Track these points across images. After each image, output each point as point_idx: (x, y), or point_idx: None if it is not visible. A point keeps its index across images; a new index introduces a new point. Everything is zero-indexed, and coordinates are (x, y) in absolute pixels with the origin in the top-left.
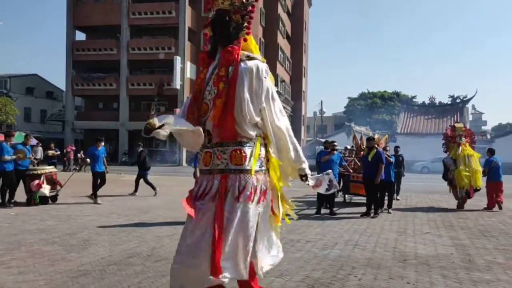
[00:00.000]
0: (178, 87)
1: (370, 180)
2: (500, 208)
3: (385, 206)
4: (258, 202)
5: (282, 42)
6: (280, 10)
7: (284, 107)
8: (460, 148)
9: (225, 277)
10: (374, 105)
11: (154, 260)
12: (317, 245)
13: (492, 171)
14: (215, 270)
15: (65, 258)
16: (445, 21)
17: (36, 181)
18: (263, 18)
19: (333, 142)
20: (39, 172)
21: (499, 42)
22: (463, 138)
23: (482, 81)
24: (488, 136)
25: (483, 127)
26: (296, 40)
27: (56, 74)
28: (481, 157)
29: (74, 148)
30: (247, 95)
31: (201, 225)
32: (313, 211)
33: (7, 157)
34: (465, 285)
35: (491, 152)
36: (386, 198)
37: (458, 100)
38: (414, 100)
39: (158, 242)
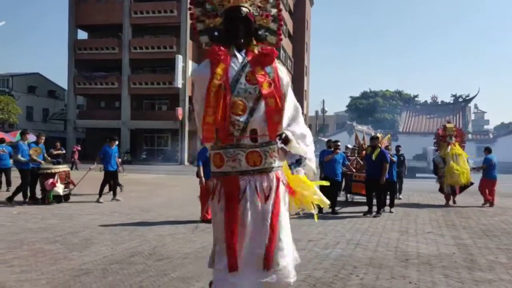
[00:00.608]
0: (180, 85)
1: (373, 179)
2: (492, 205)
3: (387, 205)
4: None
5: (283, 41)
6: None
7: None
8: (449, 147)
9: (280, 269)
10: (376, 104)
11: (156, 259)
12: (319, 244)
13: (490, 169)
14: (269, 262)
15: (67, 257)
16: (447, 20)
17: (50, 180)
18: None
19: (336, 141)
20: (53, 171)
21: (501, 41)
22: (453, 138)
23: (485, 80)
24: (491, 135)
25: (486, 126)
26: (298, 39)
27: (58, 73)
28: (478, 157)
29: (80, 148)
30: (289, 95)
31: (261, 224)
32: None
33: (21, 158)
34: (467, 285)
35: (488, 150)
36: (388, 197)
37: (460, 99)
38: (416, 99)
39: (160, 241)
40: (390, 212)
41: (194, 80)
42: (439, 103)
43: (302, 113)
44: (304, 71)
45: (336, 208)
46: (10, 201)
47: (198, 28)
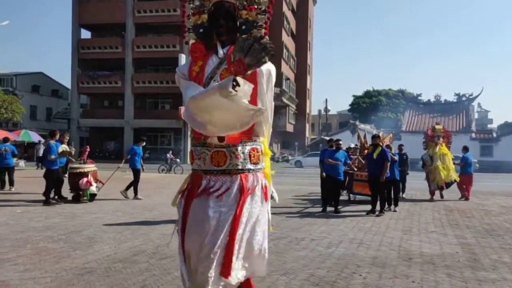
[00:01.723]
0: None
1: (375, 178)
2: (467, 199)
3: (392, 204)
4: (266, 200)
5: (286, 39)
6: (284, 7)
7: (288, 105)
8: (438, 147)
9: (237, 278)
10: (379, 103)
11: (159, 258)
12: (322, 243)
13: (466, 166)
14: (227, 271)
15: (70, 256)
16: (451, 19)
17: (85, 179)
18: None
19: (338, 140)
20: (85, 170)
21: (505, 39)
22: (441, 139)
23: (489, 79)
24: (494, 134)
25: (489, 125)
26: (301, 37)
27: (62, 72)
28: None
29: (89, 150)
30: (268, 95)
31: (216, 227)
32: (318, 209)
33: (53, 157)
34: (470, 284)
35: (466, 149)
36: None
37: (463, 98)
38: (419, 98)
39: (163, 240)
40: (394, 211)
41: (176, 79)
42: (443, 102)
43: (305, 111)
44: (307, 70)
45: (339, 207)
46: (48, 203)
47: (187, 26)
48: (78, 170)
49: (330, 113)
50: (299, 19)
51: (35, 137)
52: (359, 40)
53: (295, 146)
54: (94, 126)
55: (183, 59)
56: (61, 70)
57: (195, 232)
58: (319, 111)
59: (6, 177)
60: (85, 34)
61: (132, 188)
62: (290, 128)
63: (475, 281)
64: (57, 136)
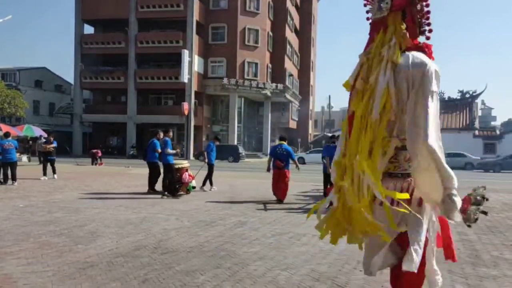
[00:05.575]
0: (185, 80)
1: None
2: None
3: None
4: None
5: (290, 35)
6: (288, 3)
7: (291, 101)
8: None
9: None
10: None
11: (160, 253)
12: (323, 239)
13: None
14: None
15: (72, 250)
16: (454, 16)
17: (187, 174)
18: (271, 12)
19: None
20: (184, 165)
21: (510, 36)
22: None
23: (492, 76)
24: (497, 132)
25: (493, 123)
26: (304, 34)
27: (65, 68)
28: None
29: (100, 154)
30: None
31: None
32: None
33: (170, 151)
34: (471, 281)
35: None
36: None
37: (467, 95)
38: None
39: (165, 234)
40: None
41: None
42: (446, 99)
43: (308, 108)
44: (310, 66)
45: None
46: (174, 194)
47: None
48: (177, 166)
49: (333, 109)
50: (302, 15)
51: (38, 132)
52: (362, 37)
53: (297, 143)
54: (97, 121)
55: (186, 54)
56: (64, 65)
57: None
58: (323, 107)
59: (9, 172)
60: (88, 29)
61: (207, 180)
62: (293, 124)
63: (476, 277)
64: (170, 133)
